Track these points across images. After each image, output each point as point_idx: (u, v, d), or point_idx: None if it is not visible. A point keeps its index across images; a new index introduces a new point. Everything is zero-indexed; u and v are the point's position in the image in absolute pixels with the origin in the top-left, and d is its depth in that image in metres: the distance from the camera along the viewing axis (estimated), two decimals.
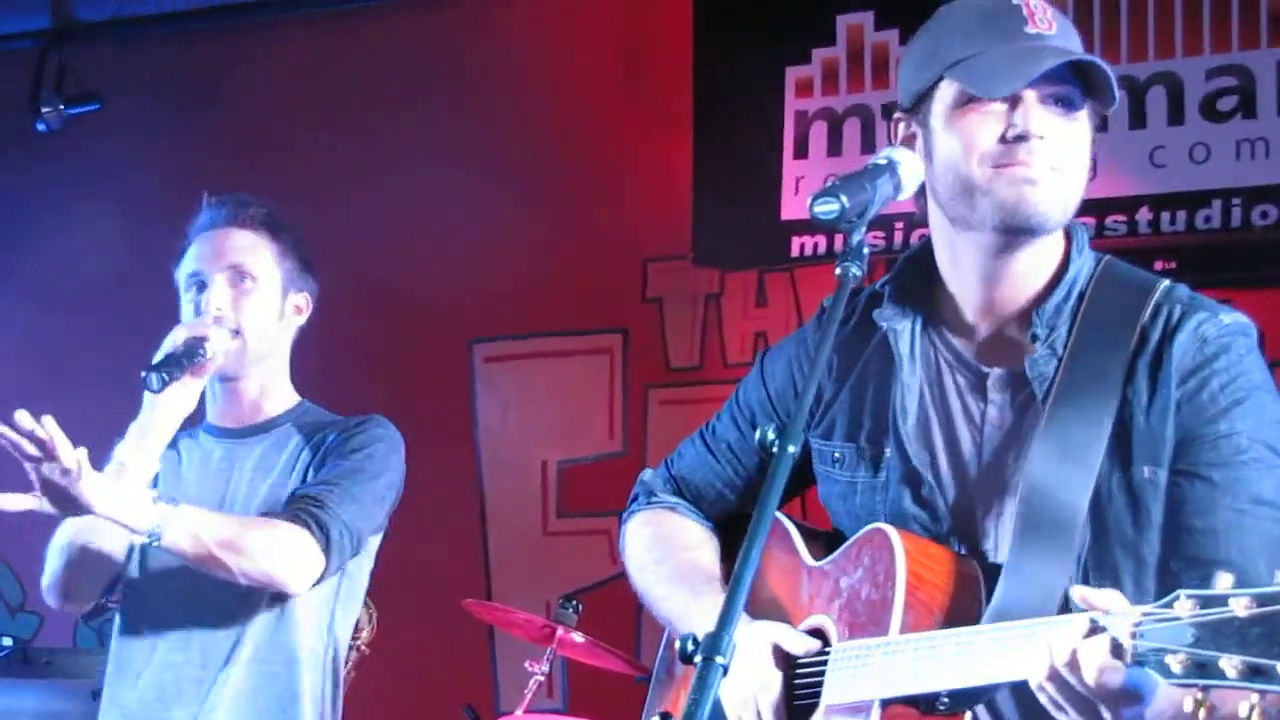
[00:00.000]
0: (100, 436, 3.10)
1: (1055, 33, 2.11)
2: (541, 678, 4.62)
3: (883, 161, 2.09)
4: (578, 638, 4.58)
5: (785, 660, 2.21)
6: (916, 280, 2.27)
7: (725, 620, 1.67)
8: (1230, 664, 1.53)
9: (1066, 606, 1.99)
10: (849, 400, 2.30)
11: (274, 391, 3.33)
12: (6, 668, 5.19)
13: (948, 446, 2.20)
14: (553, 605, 4.88)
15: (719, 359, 5.97)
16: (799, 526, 2.41)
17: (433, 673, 5.87)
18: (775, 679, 2.19)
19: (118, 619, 3.28)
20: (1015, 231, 2.10)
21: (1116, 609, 1.70)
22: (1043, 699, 1.81)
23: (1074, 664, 1.74)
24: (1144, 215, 5.23)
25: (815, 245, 5.71)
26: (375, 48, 6.60)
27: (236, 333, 3.19)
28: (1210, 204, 5.17)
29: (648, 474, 2.61)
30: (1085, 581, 2.03)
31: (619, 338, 6.15)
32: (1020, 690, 1.99)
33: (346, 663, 4.91)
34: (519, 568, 6.14)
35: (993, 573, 2.07)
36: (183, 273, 3.29)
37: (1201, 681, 1.56)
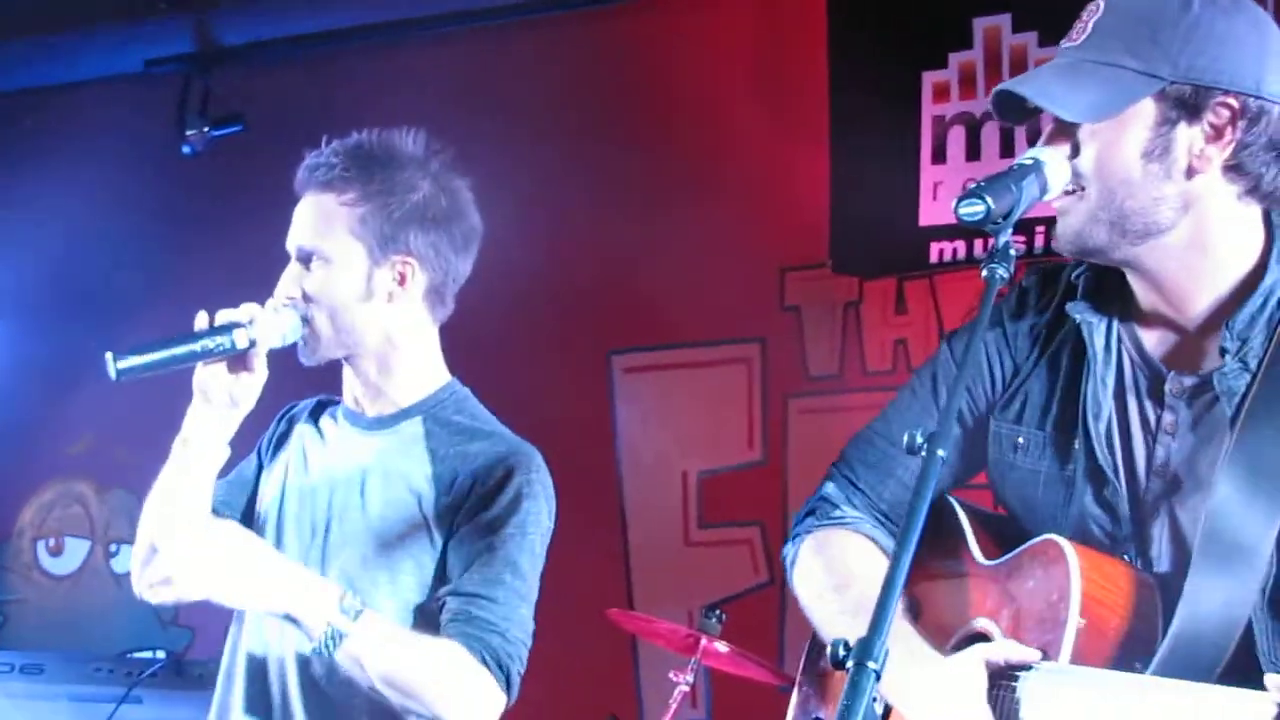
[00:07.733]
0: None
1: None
2: (686, 688, 4.61)
3: (1028, 162, 2.05)
4: (721, 647, 4.57)
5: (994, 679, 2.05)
6: (1113, 272, 2.17)
7: (877, 624, 1.65)
8: None
9: (1248, 636, 1.94)
10: (1039, 387, 2.22)
11: (399, 374, 2.92)
12: (160, 681, 5.29)
13: (1124, 448, 2.12)
14: (695, 615, 4.87)
15: (858, 367, 5.92)
16: (971, 512, 2.31)
17: (576, 683, 5.88)
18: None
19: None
20: None
21: None
22: None
23: None
24: None
25: (955, 251, 5.63)
26: (514, 65, 6.64)
27: (306, 320, 2.82)
28: None
29: (828, 488, 2.38)
30: (1268, 615, 1.96)
31: (757, 347, 6.13)
32: None
33: None
34: (661, 578, 6.14)
35: (1166, 585, 2.00)
36: None
37: None
